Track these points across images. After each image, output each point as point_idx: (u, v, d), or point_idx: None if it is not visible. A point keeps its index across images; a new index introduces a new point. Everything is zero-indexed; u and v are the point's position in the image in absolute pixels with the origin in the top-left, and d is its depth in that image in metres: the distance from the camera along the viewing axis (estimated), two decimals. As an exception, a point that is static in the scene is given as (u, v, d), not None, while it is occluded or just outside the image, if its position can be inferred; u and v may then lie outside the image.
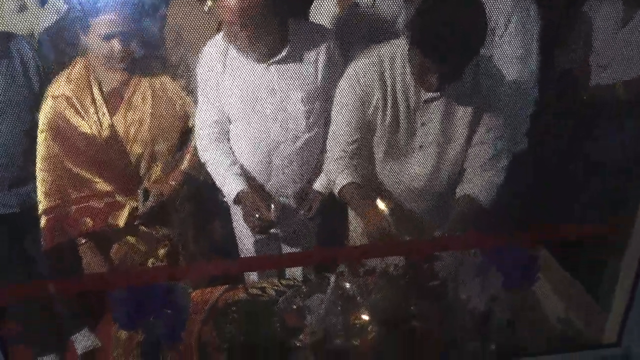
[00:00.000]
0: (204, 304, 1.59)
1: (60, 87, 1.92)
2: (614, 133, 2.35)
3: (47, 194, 1.98)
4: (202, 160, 1.99)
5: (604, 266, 1.55)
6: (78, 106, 1.92)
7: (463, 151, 1.87)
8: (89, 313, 2.25)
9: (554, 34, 2.25)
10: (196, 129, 1.98)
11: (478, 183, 1.87)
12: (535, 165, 2.21)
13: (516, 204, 2.15)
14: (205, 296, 1.63)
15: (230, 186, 1.94)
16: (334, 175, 1.89)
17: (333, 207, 2.04)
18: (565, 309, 1.64)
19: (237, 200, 1.94)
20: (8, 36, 2.00)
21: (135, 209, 2.00)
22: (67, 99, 1.91)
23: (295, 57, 1.85)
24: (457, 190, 1.90)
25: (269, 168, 2.00)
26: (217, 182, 1.99)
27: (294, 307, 1.62)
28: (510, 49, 1.96)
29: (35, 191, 1.99)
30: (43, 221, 1.99)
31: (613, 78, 2.37)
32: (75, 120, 1.93)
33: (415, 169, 1.92)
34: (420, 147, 1.87)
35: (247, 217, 1.92)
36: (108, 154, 1.98)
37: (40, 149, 1.95)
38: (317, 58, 1.86)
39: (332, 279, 1.64)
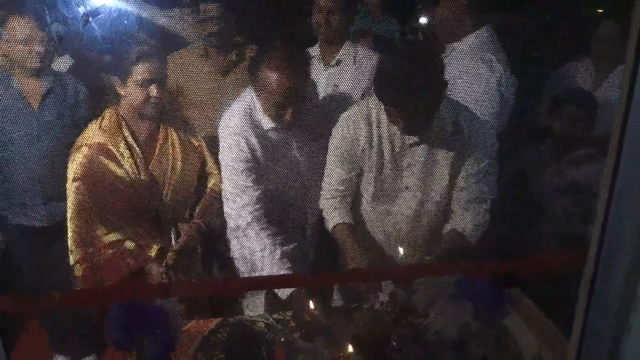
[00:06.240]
0: (198, 334, 1.71)
1: (94, 136, 1.99)
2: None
3: (79, 243, 1.98)
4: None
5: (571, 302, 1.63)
6: (115, 153, 2.00)
7: (447, 194, 1.98)
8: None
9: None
10: None
11: (465, 220, 1.96)
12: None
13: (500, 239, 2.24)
14: (199, 327, 1.75)
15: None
16: (327, 214, 2.06)
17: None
18: (539, 346, 1.70)
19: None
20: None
21: (161, 248, 2.05)
22: (103, 146, 1.98)
23: None
24: (445, 227, 2.01)
25: None
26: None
27: (282, 339, 1.72)
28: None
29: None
30: (79, 271, 1.98)
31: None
32: (113, 166, 2.00)
33: (402, 210, 2.04)
34: (407, 188, 2.00)
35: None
36: (142, 198, 2.06)
37: (72, 198, 1.97)
38: None
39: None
